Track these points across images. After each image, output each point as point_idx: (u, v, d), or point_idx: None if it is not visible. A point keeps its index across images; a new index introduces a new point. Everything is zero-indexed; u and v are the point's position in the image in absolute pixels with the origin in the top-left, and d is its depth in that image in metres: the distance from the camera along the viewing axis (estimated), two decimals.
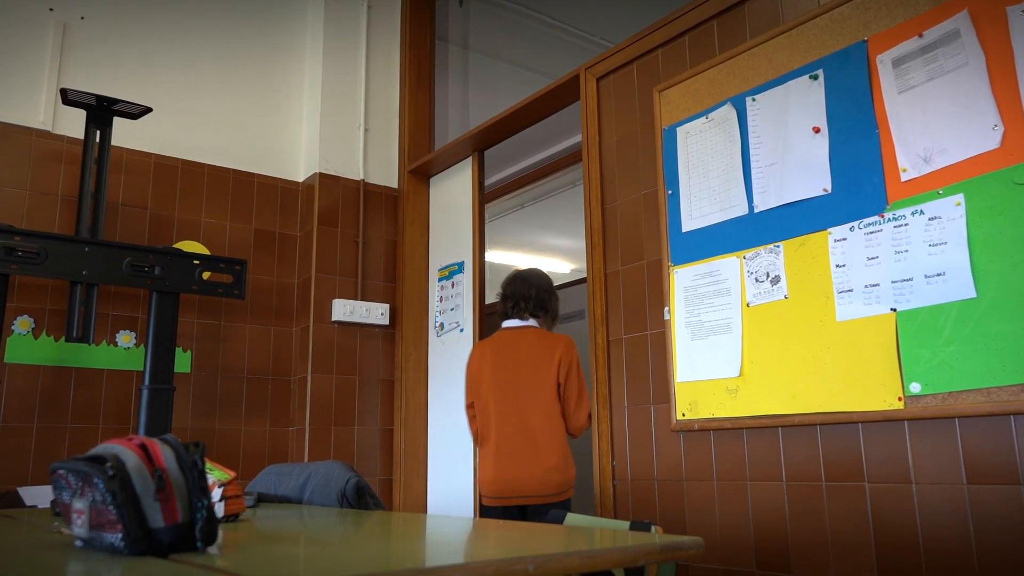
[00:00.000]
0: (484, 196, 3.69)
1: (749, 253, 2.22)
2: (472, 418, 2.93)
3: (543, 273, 3.03)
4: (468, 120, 4.26)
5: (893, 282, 1.87)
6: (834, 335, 1.98)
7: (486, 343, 2.94)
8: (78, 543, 1.01)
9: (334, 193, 3.67)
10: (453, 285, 3.67)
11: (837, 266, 2.00)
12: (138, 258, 2.93)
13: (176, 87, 3.48)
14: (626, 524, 1.54)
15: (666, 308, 2.43)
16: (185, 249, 3.18)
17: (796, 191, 2.12)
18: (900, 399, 1.82)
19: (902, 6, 1.95)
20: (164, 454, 0.95)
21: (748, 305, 2.20)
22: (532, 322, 2.89)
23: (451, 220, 3.74)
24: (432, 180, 3.94)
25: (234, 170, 3.57)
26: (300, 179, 3.76)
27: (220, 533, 0.97)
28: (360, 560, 0.95)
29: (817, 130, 2.09)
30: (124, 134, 3.24)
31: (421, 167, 3.85)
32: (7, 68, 3.10)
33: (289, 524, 1.46)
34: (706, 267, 2.33)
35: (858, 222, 1.96)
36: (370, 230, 3.77)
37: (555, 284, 3.05)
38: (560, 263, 8.08)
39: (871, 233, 1.94)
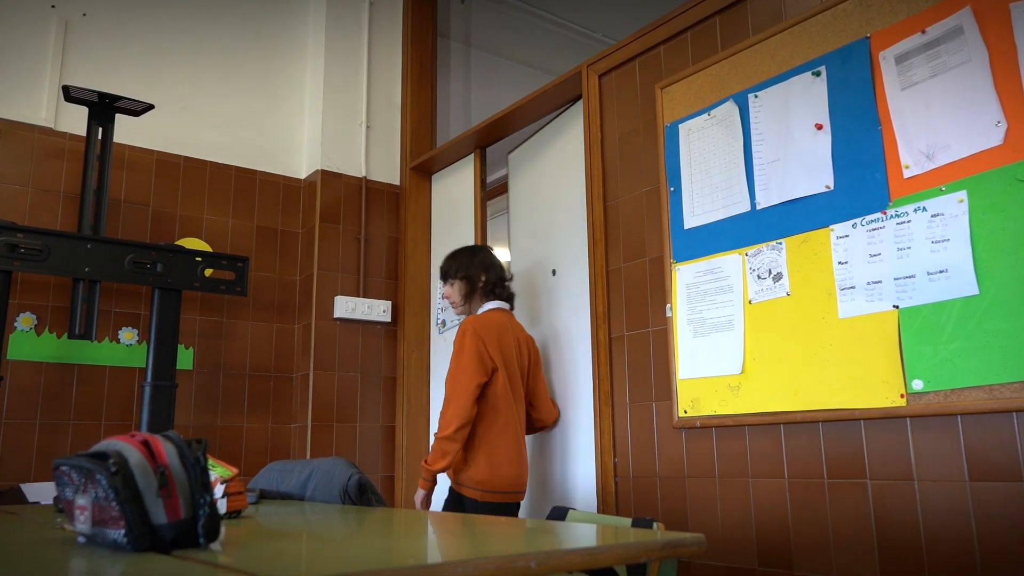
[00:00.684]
0: (486, 193, 3.69)
1: (751, 250, 2.22)
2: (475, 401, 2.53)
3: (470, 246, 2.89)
4: (470, 117, 4.26)
5: (895, 279, 1.87)
6: (836, 332, 1.97)
7: (491, 321, 2.66)
8: (81, 539, 1.01)
9: (336, 190, 3.67)
10: None
11: (839, 263, 1.99)
12: (140, 255, 2.94)
13: (178, 84, 3.48)
14: (628, 521, 1.55)
15: (668, 305, 2.43)
16: (187, 246, 3.19)
17: (798, 188, 2.11)
18: (902, 396, 1.81)
19: (905, 2, 1.94)
20: (167, 451, 0.95)
21: (750, 302, 2.20)
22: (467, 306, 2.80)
23: (453, 217, 3.74)
24: (434, 177, 3.94)
25: (236, 167, 3.57)
26: (302, 176, 3.76)
27: (222, 529, 0.98)
28: (362, 556, 0.95)
29: (820, 127, 2.09)
30: (126, 131, 3.24)
31: (423, 164, 3.85)
32: (9, 65, 3.10)
33: (291, 520, 1.46)
34: (708, 264, 2.33)
35: (861, 219, 1.96)
36: (372, 227, 3.77)
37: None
38: None
39: (873, 230, 1.93)
